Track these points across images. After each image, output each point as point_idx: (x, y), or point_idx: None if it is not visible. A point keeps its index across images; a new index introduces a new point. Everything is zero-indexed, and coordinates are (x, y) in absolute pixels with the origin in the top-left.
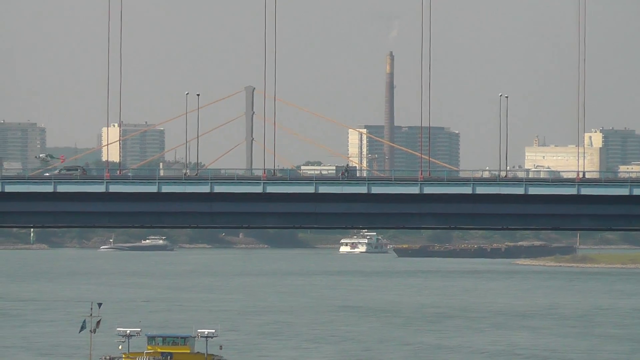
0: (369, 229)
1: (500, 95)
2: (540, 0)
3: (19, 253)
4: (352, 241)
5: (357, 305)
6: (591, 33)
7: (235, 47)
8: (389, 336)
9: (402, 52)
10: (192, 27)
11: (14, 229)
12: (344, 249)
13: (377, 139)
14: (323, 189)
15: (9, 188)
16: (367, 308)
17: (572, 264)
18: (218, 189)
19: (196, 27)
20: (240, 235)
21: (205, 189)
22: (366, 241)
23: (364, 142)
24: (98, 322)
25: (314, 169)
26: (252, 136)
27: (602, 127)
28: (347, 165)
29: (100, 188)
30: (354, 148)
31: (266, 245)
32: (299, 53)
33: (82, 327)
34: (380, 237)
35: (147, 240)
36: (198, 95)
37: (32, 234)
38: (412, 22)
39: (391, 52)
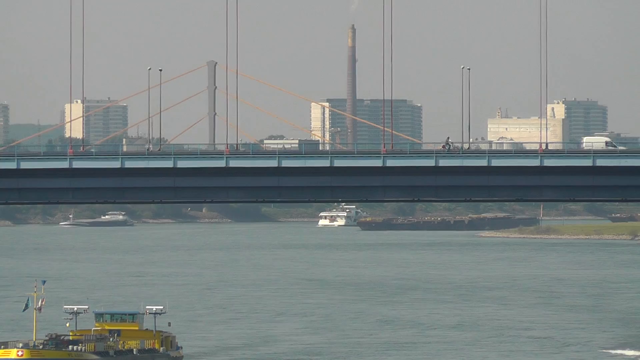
0: (332, 202)
1: (462, 67)
2: None
3: None
4: (331, 214)
5: (317, 278)
6: (553, 2)
7: (197, 22)
8: (350, 309)
9: (363, 24)
10: (154, 1)
11: None
12: (322, 222)
13: (340, 112)
14: (286, 163)
15: None
16: (328, 281)
17: (536, 236)
18: (181, 164)
19: (158, 1)
20: (204, 210)
21: (168, 164)
22: (345, 214)
23: (327, 115)
24: (42, 300)
25: (277, 143)
26: (214, 111)
27: (565, 99)
28: (448, 138)
29: (64, 164)
30: (317, 122)
31: (230, 220)
32: (260, 27)
33: (26, 306)
34: (359, 211)
35: (107, 216)
36: (160, 70)
37: None
38: None
39: (353, 25)
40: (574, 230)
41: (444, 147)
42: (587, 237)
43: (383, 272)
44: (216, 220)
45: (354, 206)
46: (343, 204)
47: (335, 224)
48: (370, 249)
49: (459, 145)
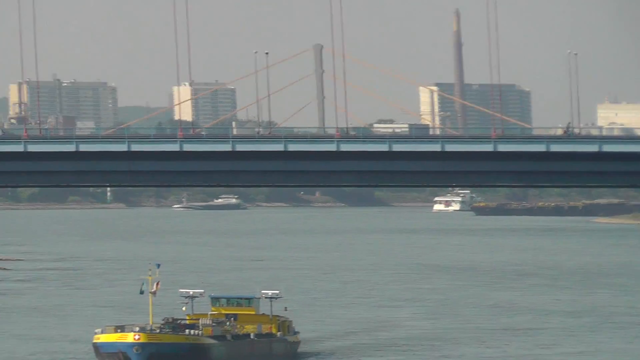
0: (444, 187)
1: (569, 52)
2: None
3: (96, 212)
4: (446, 199)
5: (433, 263)
6: None
7: (303, 5)
8: (467, 294)
9: (468, 8)
10: None
11: (91, 189)
12: (437, 207)
13: (448, 96)
14: (397, 147)
15: (83, 147)
16: (444, 266)
17: None
18: (292, 147)
19: None
20: (317, 194)
21: (279, 147)
22: (460, 199)
23: (435, 100)
24: (157, 284)
25: (387, 127)
26: (322, 94)
27: None
28: (569, 123)
29: (174, 147)
30: (426, 106)
31: (343, 204)
32: (367, 10)
33: (142, 289)
34: (474, 195)
35: (220, 199)
36: (267, 53)
37: (108, 193)
38: None
39: (457, 10)
40: None
41: (565, 132)
42: None
43: (498, 258)
44: (329, 204)
45: (469, 191)
46: (457, 188)
47: (450, 208)
48: (485, 234)
49: (576, 130)
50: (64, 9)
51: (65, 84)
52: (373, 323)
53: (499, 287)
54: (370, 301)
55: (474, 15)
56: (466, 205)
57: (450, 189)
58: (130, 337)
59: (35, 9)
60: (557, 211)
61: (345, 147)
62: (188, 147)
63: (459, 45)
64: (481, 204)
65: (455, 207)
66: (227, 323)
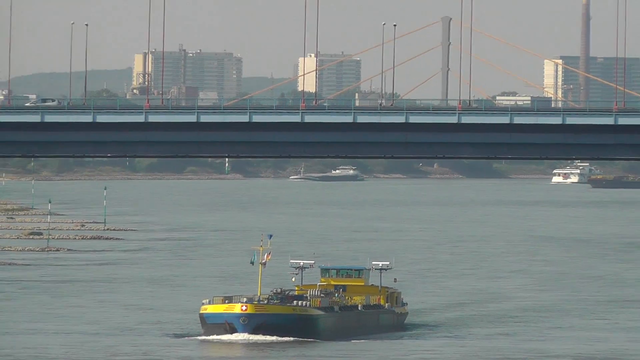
0: (562, 159)
1: None
2: None
3: (215, 183)
4: (565, 172)
5: (547, 235)
6: None
7: None
8: (579, 265)
9: None
10: None
11: (209, 159)
12: (556, 179)
13: (573, 69)
14: (518, 120)
15: (204, 118)
16: (557, 238)
17: None
18: (413, 119)
19: None
20: (435, 166)
21: (400, 119)
22: (578, 172)
23: (559, 72)
24: (268, 255)
25: (510, 100)
26: (447, 67)
27: None
28: None
29: (295, 118)
30: (549, 79)
31: (461, 176)
32: None
33: (252, 260)
34: (592, 168)
35: (337, 170)
36: (395, 25)
37: (227, 164)
38: None
39: None
40: None
41: None
42: None
43: (611, 230)
44: (447, 175)
45: (588, 164)
46: (577, 161)
47: (569, 181)
48: (601, 206)
49: None
50: None
51: (190, 55)
52: (482, 295)
53: (610, 259)
54: (480, 273)
55: None
56: (584, 178)
57: (569, 161)
58: (237, 308)
59: None
60: None
61: (466, 120)
62: (309, 118)
63: (587, 18)
64: (598, 177)
65: (574, 179)
66: (336, 294)
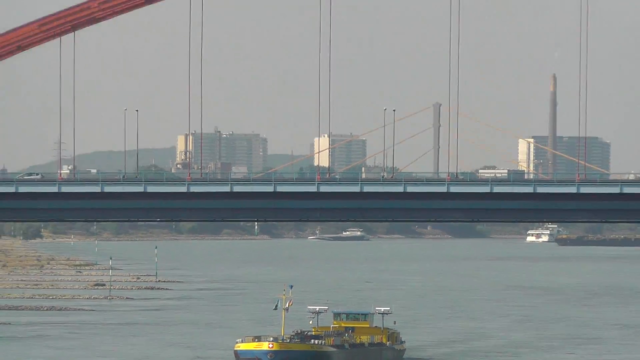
0: (534, 222)
1: None
2: None
3: (246, 243)
4: (537, 232)
5: (522, 285)
6: None
7: (426, 64)
8: (550, 310)
9: (563, 72)
10: (390, 49)
11: (242, 223)
12: (530, 238)
13: (542, 146)
14: (497, 189)
15: (236, 188)
16: (528, 287)
17: None
18: (410, 188)
19: (393, 50)
20: (429, 228)
21: (399, 188)
22: (548, 232)
23: (531, 150)
24: (290, 302)
25: (490, 172)
26: (438, 145)
27: None
28: None
29: (312, 188)
30: (523, 155)
31: (449, 236)
32: (479, 71)
33: (276, 306)
34: (560, 229)
35: (347, 232)
36: (394, 110)
37: (256, 227)
38: (572, 46)
39: (554, 75)
40: None
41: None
42: None
43: (576, 280)
44: (438, 236)
45: (556, 225)
46: (547, 223)
47: (540, 240)
48: (566, 261)
49: None
50: (226, 69)
51: (224, 135)
52: (468, 334)
53: (573, 304)
54: (466, 315)
55: (568, 75)
56: (553, 237)
57: (540, 224)
58: (265, 346)
59: (203, 68)
60: (626, 242)
61: (454, 189)
62: (324, 189)
63: (554, 104)
64: (564, 236)
65: (545, 238)
66: (346, 334)
